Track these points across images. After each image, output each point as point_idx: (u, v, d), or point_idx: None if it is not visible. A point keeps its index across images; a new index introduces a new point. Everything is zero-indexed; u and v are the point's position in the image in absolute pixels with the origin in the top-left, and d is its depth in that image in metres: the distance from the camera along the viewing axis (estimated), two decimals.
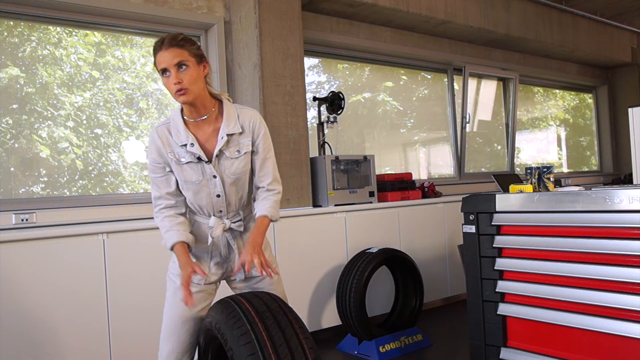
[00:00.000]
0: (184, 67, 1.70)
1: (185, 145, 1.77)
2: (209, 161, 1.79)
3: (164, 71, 1.71)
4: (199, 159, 1.78)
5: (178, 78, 1.69)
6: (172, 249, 1.80)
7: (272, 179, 1.89)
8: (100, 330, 2.73)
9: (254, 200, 1.93)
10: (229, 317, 1.59)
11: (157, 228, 2.89)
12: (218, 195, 1.83)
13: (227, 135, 1.79)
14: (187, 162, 1.78)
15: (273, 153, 1.92)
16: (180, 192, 1.85)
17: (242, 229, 1.92)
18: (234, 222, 1.89)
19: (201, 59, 1.77)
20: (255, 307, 1.61)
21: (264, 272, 1.74)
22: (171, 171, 1.82)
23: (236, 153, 1.82)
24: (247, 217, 1.95)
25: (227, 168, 1.82)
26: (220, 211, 1.86)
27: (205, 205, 1.85)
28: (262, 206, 1.86)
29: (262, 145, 1.87)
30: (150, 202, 3.29)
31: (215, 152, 1.79)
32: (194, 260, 1.87)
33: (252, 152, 1.87)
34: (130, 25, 3.47)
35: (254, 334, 1.51)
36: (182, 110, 1.83)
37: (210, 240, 1.85)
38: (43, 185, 3.16)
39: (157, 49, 1.71)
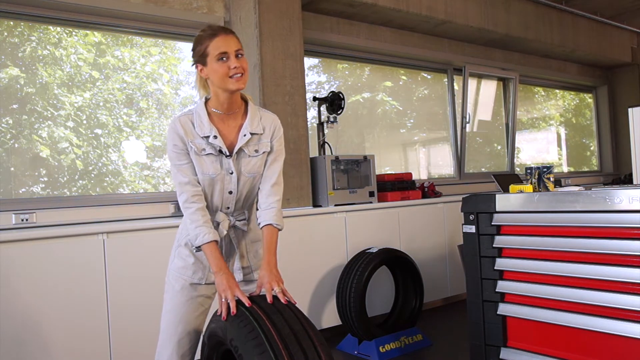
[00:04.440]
0: (240, 55, 1.74)
1: (208, 137, 1.77)
2: (229, 156, 1.79)
3: (221, 56, 1.71)
4: (220, 152, 1.78)
5: (238, 62, 1.72)
6: (199, 246, 1.75)
7: (276, 182, 1.87)
8: (100, 330, 2.73)
9: (257, 206, 1.92)
10: (249, 337, 1.46)
11: (157, 228, 2.95)
12: (230, 192, 1.83)
13: (250, 133, 1.81)
14: (207, 154, 1.78)
15: (283, 159, 1.92)
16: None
17: (245, 227, 1.91)
18: (239, 220, 1.89)
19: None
20: (277, 329, 1.47)
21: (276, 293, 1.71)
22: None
23: (254, 152, 1.83)
24: (250, 217, 1.95)
25: (244, 166, 1.82)
26: (228, 208, 1.86)
27: (215, 200, 1.84)
28: (267, 215, 1.83)
29: (276, 146, 1.88)
30: (150, 202, 3.35)
31: (237, 148, 1.79)
32: (192, 259, 1.86)
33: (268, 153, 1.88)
34: (130, 25, 3.47)
35: None
36: (205, 103, 1.82)
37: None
38: (43, 185, 3.16)
39: (214, 34, 1.72)
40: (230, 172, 1.80)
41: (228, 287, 1.67)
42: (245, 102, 1.87)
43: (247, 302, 1.62)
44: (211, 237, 1.74)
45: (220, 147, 1.77)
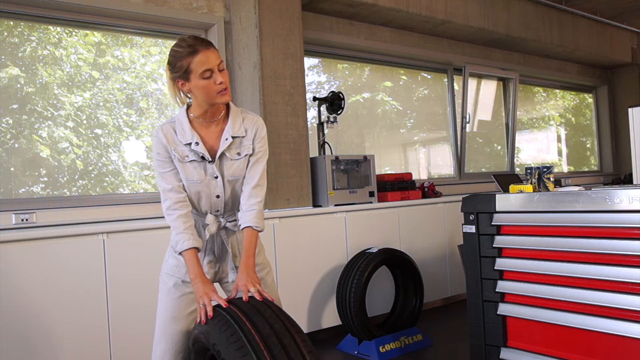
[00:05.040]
0: (223, 69, 1.75)
1: (190, 144, 1.79)
2: (212, 161, 1.81)
3: (207, 74, 1.71)
4: (203, 158, 1.80)
5: (222, 77, 1.73)
6: (180, 252, 1.77)
7: (257, 183, 1.86)
8: (100, 330, 2.73)
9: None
10: (230, 340, 1.47)
11: (157, 228, 2.95)
12: (217, 196, 1.85)
13: (232, 137, 1.82)
14: (191, 161, 1.80)
15: (266, 160, 1.92)
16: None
17: (236, 228, 1.92)
18: (229, 222, 1.91)
19: None
20: (258, 329, 1.48)
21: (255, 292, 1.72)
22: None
23: (237, 155, 1.84)
24: None
25: (226, 169, 1.84)
26: (217, 210, 1.88)
27: (204, 205, 1.86)
28: (247, 217, 1.83)
29: (258, 147, 1.88)
30: (150, 202, 3.36)
31: (219, 153, 1.81)
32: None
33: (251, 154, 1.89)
34: (130, 25, 3.47)
35: None
36: (187, 110, 1.84)
37: (207, 236, 1.86)
38: (43, 185, 3.16)
39: (195, 51, 1.70)
40: (215, 176, 1.82)
41: (204, 293, 1.69)
42: (227, 105, 1.88)
43: (224, 304, 1.64)
44: (190, 244, 1.75)
45: (202, 153, 1.79)
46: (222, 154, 1.82)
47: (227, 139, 1.81)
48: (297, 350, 1.46)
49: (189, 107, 1.85)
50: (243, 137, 1.85)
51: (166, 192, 1.80)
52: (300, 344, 1.48)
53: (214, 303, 1.67)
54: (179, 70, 1.73)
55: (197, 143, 1.78)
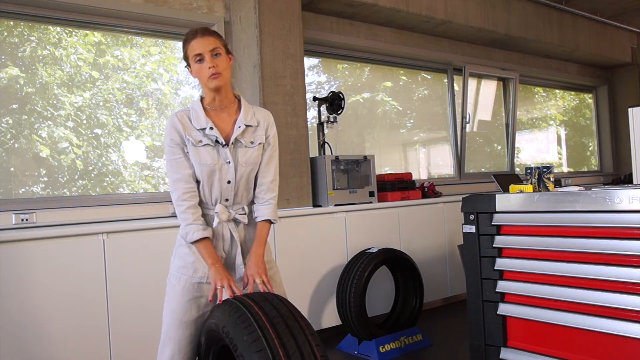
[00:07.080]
0: (217, 54, 1.83)
1: (204, 129, 1.85)
2: (225, 145, 1.87)
3: (197, 58, 1.82)
4: (217, 142, 1.86)
5: (213, 62, 1.81)
6: (193, 242, 1.82)
7: (274, 178, 1.98)
8: (100, 331, 2.73)
9: (254, 201, 1.99)
10: (238, 321, 1.55)
11: (157, 228, 2.95)
12: (228, 182, 1.88)
13: (245, 125, 1.90)
14: (204, 145, 1.85)
15: (278, 155, 2.02)
16: (196, 177, 1.88)
17: (245, 220, 1.94)
18: (238, 214, 1.92)
19: (228, 50, 1.90)
20: (265, 312, 1.57)
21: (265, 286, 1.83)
22: (188, 153, 1.87)
23: (250, 143, 1.91)
24: (250, 213, 1.98)
25: (241, 156, 1.89)
26: (227, 200, 1.90)
27: (215, 192, 1.88)
28: (264, 210, 1.94)
29: (272, 142, 1.98)
30: (150, 202, 3.36)
31: (232, 138, 1.88)
32: (191, 259, 1.88)
33: (264, 146, 1.97)
34: (130, 25, 3.47)
35: (266, 340, 1.47)
36: (201, 100, 1.92)
37: (215, 222, 1.87)
38: (43, 185, 3.16)
39: (190, 38, 1.83)
40: (228, 161, 1.87)
41: (225, 276, 1.77)
42: (238, 98, 1.98)
43: (238, 292, 1.74)
44: (200, 234, 1.81)
45: (216, 137, 1.86)
46: (237, 140, 1.89)
47: (240, 127, 1.89)
48: (300, 330, 1.55)
49: (202, 98, 1.93)
50: (256, 126, 1.94)
51: (176, 182, 1.85)
52: (304, 327, 1.57)
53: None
54: (185, 58, 1.88)
55: (211, 128, 1.85)
